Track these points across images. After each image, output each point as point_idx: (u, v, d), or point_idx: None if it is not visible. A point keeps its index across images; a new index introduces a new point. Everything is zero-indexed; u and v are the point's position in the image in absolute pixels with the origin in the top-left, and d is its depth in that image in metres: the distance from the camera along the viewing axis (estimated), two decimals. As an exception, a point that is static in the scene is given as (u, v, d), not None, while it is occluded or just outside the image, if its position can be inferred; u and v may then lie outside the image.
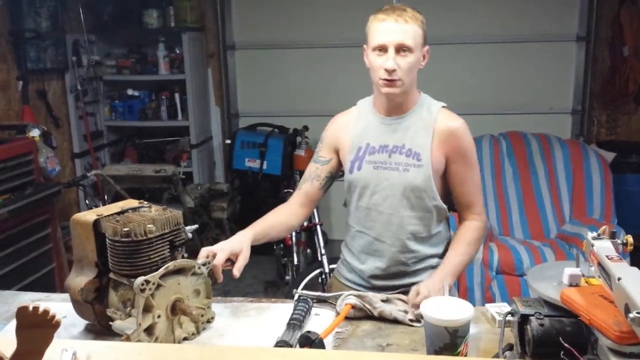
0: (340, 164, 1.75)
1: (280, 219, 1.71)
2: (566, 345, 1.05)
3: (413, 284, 1.63)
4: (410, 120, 1.63)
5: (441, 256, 1.68)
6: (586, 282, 1.17)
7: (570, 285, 1.15)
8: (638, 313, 0.85)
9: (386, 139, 1.65)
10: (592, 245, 1.12)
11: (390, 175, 1.62)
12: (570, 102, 4.48)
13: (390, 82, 1.55)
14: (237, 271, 1.48)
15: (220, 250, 1.48)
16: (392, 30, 1.53)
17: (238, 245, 1.51)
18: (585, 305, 1.05)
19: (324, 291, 2.94)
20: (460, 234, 1.64)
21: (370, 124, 1.68)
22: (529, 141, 3.76)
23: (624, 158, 3.96)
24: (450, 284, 1.50)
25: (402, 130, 1.63)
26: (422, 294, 1.44)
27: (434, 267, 1.67)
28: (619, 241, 1.14)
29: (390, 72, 1.53)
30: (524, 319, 1.14)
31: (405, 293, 1.58)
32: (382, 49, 1.54)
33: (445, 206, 1.65)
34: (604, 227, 1.18)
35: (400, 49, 1.52)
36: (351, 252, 1.77)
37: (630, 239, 1.13)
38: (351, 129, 1.71)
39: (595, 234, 1.16)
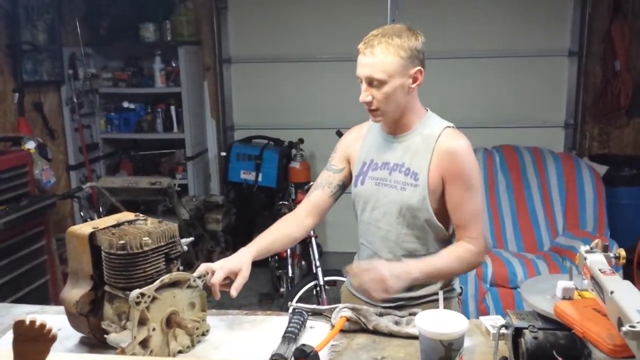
0: (351, 175, 1.76)
1: (285, 232, 1.71)
2: (560, 358, 1.06)
3: (411, 298, 1.64)
4: (412, 139, 1.64)
5: None
6: (579, 295, 1.17)
7: (564, 298, 1.16)
8: (631, 326, 0.86)
9: (388, 156, 1.66)
10: (585, 259, 1.13)
11: (390, 192, 1.63)
12: (563, 116, 4.53)
13: (371, 112, 1.60)
14: (234, 291, 1.47)
15: (220, 269, 1.47)
16: (362, 63, 1.55)
17: (238, 263, 1.51)
18: (578, 319, 1.06)
19: (318, 303, 2.94)
20: (451, 248, 1.63)
21: (376, 140, 1.71)
22: (522, 155, 3.79)
23: (616, 171, 3.99)
24: (417, 279, 1.52)
25: (402, 149, 1.64)
26: (376, 267, 1.46)
27: (433, 283, 1.66)
28: (611, 254, 1.15)
29: (366, 103, 1.57)
30: (518, 332, 1.15)
31: (401, 308, 1.59)
32: (360, 80, 1.58)
33: (442, 226, 1.63)
34: (596, 241, 1.18)
35: (371, 81, 1.55)
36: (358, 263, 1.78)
37: (622, 252, 1.15)
38: (361, 142, 1.74)
39: (588, 247, 1.17)
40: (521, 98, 4.50)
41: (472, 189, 1.59)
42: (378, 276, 1.44)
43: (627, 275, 3.32)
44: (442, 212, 1.63)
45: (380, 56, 1.52)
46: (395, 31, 1.54)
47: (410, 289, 1.67)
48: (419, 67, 1.56)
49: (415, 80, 1.57)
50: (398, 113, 1.60)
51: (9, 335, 1.01)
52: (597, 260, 1.11)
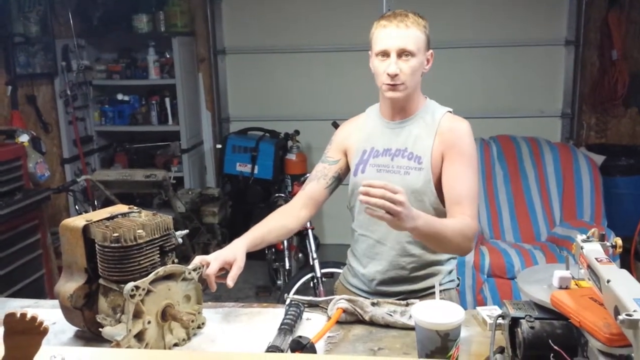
0: (347, 167, 1.75)
1: (279, 223, 1.69)
2: (556, 347, 1.06)
3: (413, 290, 1.65)
4: (413, 124, 1.64)
5: (444, 263, 1.67)
6: (576, 284, 1.17)
7: (561, 287, 1.15)
8: (627, 315, 0.85)
9: (390, 142, 1.66)
10: (582, 248, 1.13)
11: (392, 178, 1.62)
12: (560, 106, 4.52)
13: (394, 87, 1.58)
14: (230, 281, 1.47)
15: (214, 260, 1.47)
16: (393, 35, 1.55)
17: (232, 254, 1.50)
18: (575, 308, 1.05)
19: (315, 296, 2.94)
20: (454, 220, 1.53)
21: (376, 128, 1.70)
22: (519, 145, 3.78)
23: (613, 161, 3.99)
24: (418, 228, 1.36)
25: (405, 134, 1.65)
26: (400, 194, 1.31)
27: (435, 274, 1.66)
28: (608, 244, 1.14)
29: (392, 76, 1.56)
30: (515, 322, 1.14)
31: (405, 299, 1.58)
32: (385, 54, 1.57)
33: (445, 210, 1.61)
34: (593, 230, 1.18)
35: (402, 53, 1.55)
36: (355, 257, 1.77)
37: (619, 241, 1.14)
38: (358, 133, 1.73)
39: (584, 236, 1.16)
40: (518, 88, 4.49)
41: (470, 167, 1.59)
42: (391, 195, 1.28)
43: (624, 264, 3.33)
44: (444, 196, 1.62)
45: (412, 28, 1.55)
46: (412, 12, 1.59)
47: (414, 281, 1.67)
48: (431, 50, 1.62)
49: (427, 62, 1.62)
50: (413, 91, 1.62)
51: (2, 329, 0.99)
52: (593, 249, 1.10)
